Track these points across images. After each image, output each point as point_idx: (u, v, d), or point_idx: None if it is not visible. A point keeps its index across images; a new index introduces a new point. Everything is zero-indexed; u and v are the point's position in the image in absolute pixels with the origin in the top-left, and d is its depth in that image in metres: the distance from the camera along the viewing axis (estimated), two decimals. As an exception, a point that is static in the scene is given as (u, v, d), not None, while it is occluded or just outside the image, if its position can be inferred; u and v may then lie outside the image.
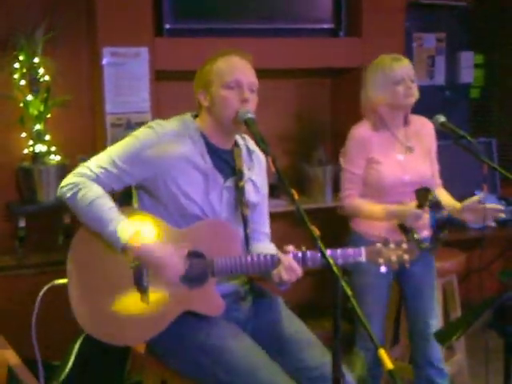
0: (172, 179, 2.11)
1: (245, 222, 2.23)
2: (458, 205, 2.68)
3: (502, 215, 2.57)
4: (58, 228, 3.38)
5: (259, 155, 2.32)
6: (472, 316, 2.06)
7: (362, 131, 2.76)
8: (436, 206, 2.43)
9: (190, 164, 2.13)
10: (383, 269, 2.15)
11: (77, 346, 2.68)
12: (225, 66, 2.15)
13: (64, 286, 2.13)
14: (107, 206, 2.06)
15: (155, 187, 2.13)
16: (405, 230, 2.31)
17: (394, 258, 2.15)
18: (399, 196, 2.67)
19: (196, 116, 2.24)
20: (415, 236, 2.24)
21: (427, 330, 2.75)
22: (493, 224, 2.60)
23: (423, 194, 2.45)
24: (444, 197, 2.77)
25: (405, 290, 2.89)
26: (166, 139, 2.12)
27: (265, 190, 2.35)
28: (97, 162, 2.11)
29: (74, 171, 2.12)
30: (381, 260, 2.15)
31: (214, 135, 2.19)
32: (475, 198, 2.60)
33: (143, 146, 2.11)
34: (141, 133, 2.15)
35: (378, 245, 2.16)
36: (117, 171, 2.10)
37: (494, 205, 2.60)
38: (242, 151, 2.26)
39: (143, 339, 2.14)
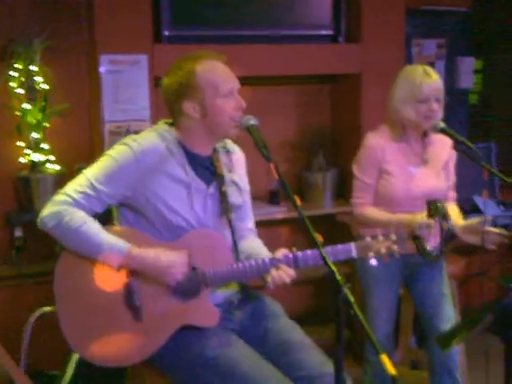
0: (154, 195, 2.08)
1: (231, 226, 2.20)
2: (460, 223, 2.63)
3: (504, 240, 2.50)
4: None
5: (238, 153, 2.30)
6: (472, 321, 2.05)
7: (375, 141, 2.71)
8: (444, 218, 2.40)
9: (170, 178, 2.10)
10: (374, 262, 2.14)
11: (75, 355, 2.65)
12: (213, 74, 2.11)
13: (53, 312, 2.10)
14: (95, 229, 2.03)
15: (138, 204, 2.10)
16: (414, 238, 2.29)
17: (383, 249, 2.14)
18: (410, 208, 2.63)
19: (171, 124, 2.19)
20: (424, 245, 2.22)
21: None
22: (493, 247, 2.52)
23: (434, 206, 2.43)
24: (451, 212, 2.69)
25: (414, 296, 2.87)
26: (144, 156, 2.07)
27: (247, 186, 2.33)
28: (75, 188, 2.06)
29: (53, 200, 2.06)
30: (371, 253, 2.14)
31: (196, 144, 2.15)
32: (476, 221, 2.55)
33: (120, 165, 2.06)
34: (117, 152, 2.09)
35: (368, 239, 2.14)
36: (96, 194, 2.05)
37: (495, 229, 2.52)
38: (219, 154, 2.24)
39: (141, 358, 2.08)
